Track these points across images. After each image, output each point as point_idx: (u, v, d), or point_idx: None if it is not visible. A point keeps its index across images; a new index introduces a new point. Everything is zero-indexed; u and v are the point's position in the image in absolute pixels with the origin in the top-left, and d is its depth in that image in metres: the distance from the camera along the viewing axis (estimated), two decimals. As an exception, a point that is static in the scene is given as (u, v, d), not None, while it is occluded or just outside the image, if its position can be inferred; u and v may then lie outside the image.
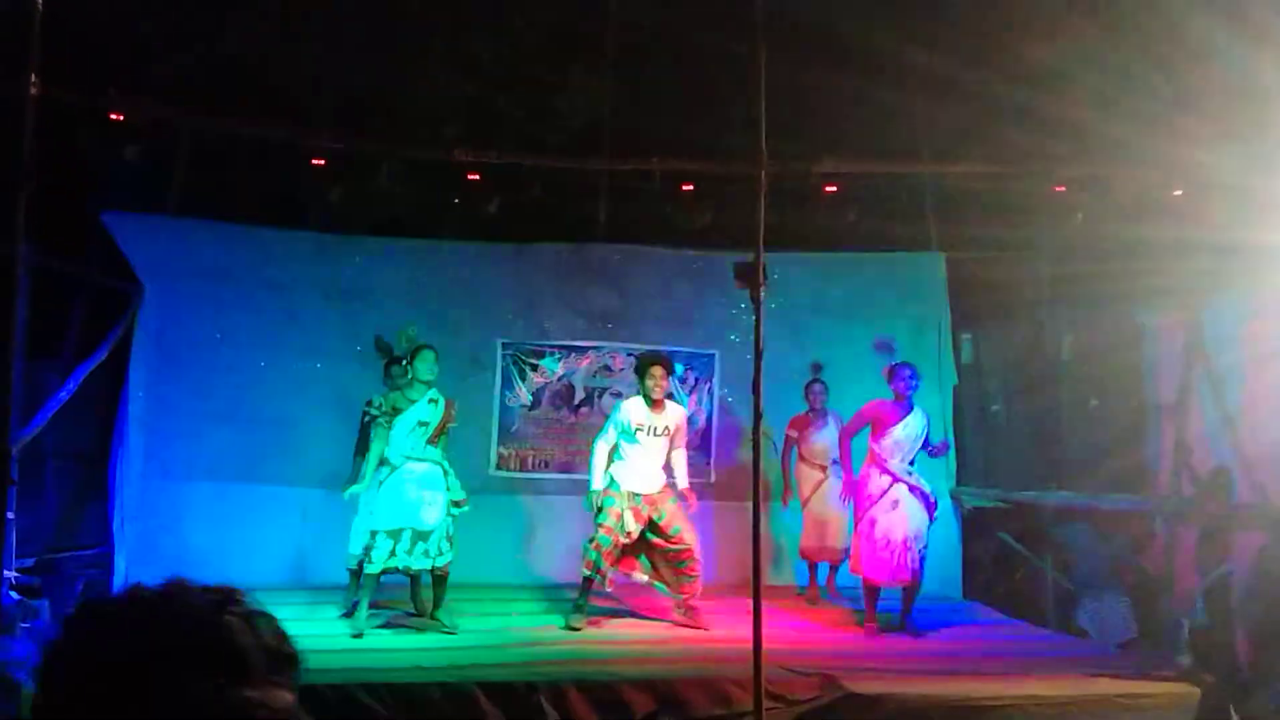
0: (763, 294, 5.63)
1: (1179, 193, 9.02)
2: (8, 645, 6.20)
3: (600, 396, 10.28)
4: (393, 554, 7.47)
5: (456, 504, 7.71)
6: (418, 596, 7.92)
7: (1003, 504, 10.19)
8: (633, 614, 8.40)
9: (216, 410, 9.34)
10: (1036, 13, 9.14)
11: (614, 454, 8.02)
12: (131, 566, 8.92)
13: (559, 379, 10.30)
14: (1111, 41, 8.67)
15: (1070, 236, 10.01)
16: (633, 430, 7.92)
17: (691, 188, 9.96)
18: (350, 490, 7.64)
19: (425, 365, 7.63)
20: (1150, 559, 9.50)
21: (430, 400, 7.67)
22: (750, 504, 5.97)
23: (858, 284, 10.45)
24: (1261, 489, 8.32)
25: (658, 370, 7.92)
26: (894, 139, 10.18)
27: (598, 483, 7.92)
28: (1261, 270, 8.18)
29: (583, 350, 10.29)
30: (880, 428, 8.04)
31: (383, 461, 7.64)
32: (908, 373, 8.02)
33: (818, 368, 9.25)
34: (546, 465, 10.08)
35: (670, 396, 8.25)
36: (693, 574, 7.99)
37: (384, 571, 7.55)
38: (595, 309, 10.34)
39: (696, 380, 10.49)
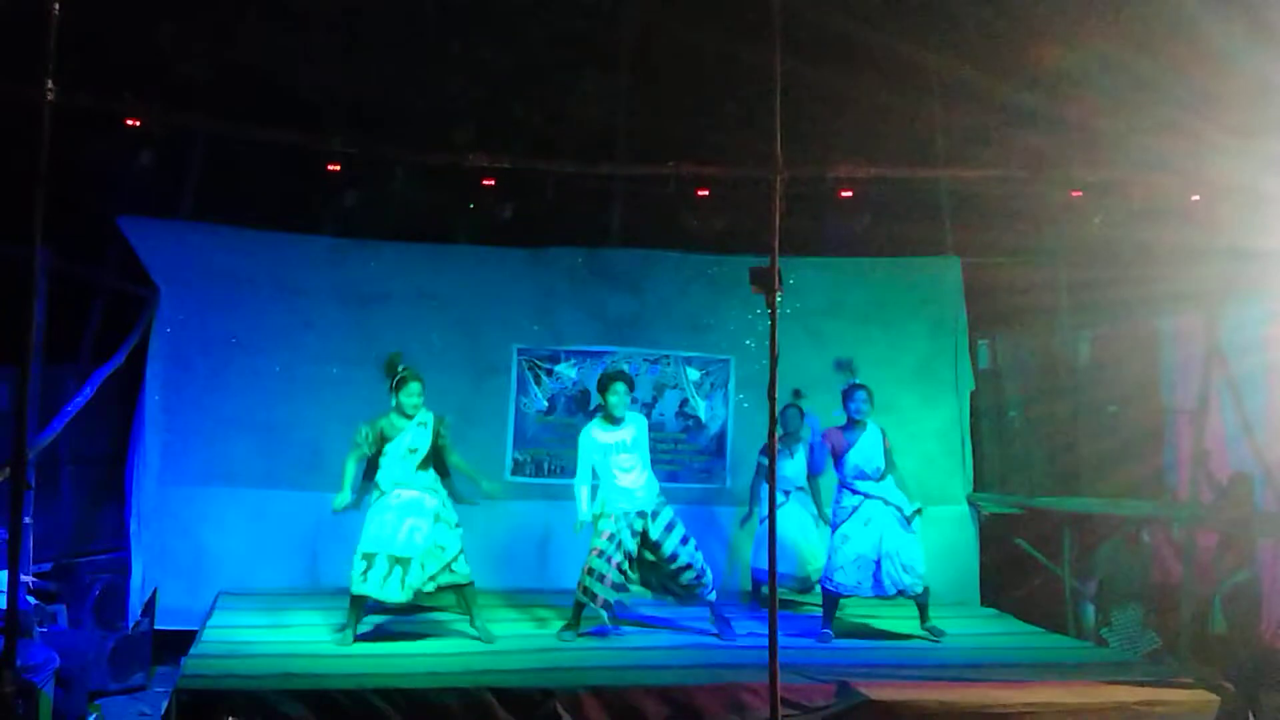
0: (778, 299, 5.62)
1: (1196, 198, 8.97)
2: (25, 650, 6.20)
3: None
4: (365, 577, 7.29)
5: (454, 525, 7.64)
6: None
7: (1020, 510, 10.14)
8: (648, 621, 8.37)
9: (232, 414, 9.39)
10: (1052, 18, 9.12)
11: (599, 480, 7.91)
12: (148, 571, 8.95)
13: (574, 384, 10.30)
14: (1128, 46, 8.63)
15: (1088, 241, 9.96)
16: (603, 452, 7.83)
17: (707, 192, 9.94)
18: (338, 502, 7.49)
19: (409, 399, 7.56)
20: (1170, 566, 9.42)
21: (419, 424, 7.60)
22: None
23: (874, 289, 10.46)
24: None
25: (621, 386, 7.83)
26: (910, 143, 10.16)
27: (585, 513, 7.79)
28: (1280, 274, 8.15)
29: (598, 355, 10.27)
30: (838, 454, 8.17)
31: (376, 486, 7.58)
32: (860, 395, 8.08)
33: (797, 394, 9.14)
34: (561, 470, 10.04)
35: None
36: (700, 584, 7.92)
37: (364, 597, 7.36)
38: (610, 314, 10.34)
39: (713, 385, 10.47)
